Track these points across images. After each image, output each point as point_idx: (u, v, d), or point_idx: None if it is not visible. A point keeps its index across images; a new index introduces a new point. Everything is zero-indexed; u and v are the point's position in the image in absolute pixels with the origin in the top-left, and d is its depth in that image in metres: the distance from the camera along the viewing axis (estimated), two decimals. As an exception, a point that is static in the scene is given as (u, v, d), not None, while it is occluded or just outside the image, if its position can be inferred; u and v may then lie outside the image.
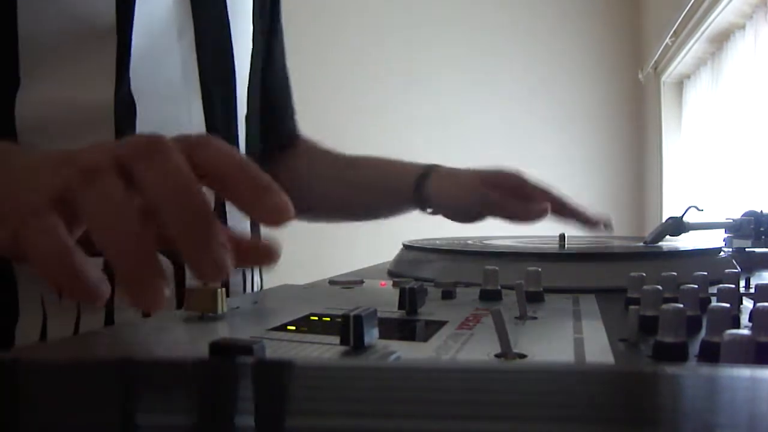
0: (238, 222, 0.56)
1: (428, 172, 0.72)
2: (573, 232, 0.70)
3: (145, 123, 0.50)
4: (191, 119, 0.56)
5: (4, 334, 0.46)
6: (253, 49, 0.64)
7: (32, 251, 0.28)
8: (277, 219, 0.30)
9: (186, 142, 0.30)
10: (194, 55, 0.55)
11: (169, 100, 0.53)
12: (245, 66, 0.62)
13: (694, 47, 2.21)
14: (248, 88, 0.63)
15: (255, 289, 0.64)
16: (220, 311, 0.37)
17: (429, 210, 0.72)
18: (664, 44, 2.36)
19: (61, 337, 0.42)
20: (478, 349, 0.29)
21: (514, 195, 0.68)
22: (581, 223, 0.70)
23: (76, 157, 0.30)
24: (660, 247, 0.62)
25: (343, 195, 0.79)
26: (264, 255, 0.34)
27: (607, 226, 0.70)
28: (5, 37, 0.45)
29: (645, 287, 0.34)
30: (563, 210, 0.69)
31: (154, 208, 0.28)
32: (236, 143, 0.61)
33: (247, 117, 0.63)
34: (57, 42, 0.46)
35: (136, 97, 0.50)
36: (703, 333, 0.28)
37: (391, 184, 0.75)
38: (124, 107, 0.49)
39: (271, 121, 0.73)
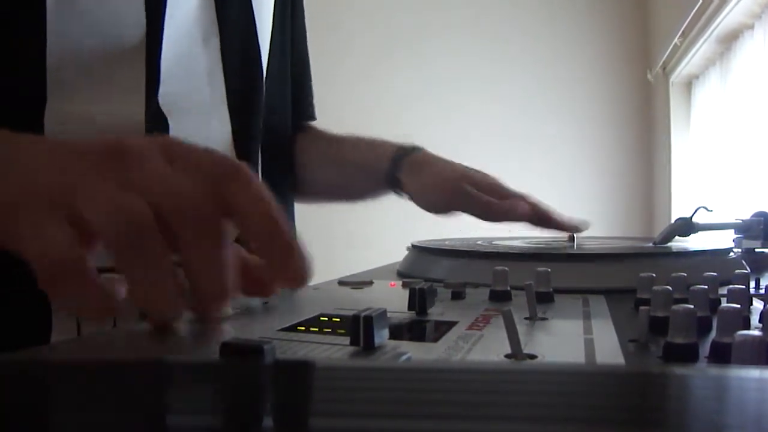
0: None
1: (403, 155, 0.70)
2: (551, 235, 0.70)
3: (176, 135, 0.49)
4: (221, 127, 0.55)
5: (40, 342, 0.45)
6: (272, 37, 0.63)
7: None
8: (297, 283, 0.32)
9: (213, 175, 0.31)
10: (220, 60, 0.55)
11: (197, 110, 0.53)
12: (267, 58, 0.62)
13: (703, 47, 2.20)
14: (267, 79, 0.62)
15: None
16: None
17: (405, 196, 0.70)
18: (673, 44, 2.35)
19: (65, 339, 0.42)
20: (488, 350, 0.29)
21: (490, 194, 0.66)
22: (556, 229, 0.69)
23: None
24: (669, 248, 0.62)
25: (326, 174, 0.76)
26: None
27: (580, 229, 0.69)
28: (34, 57, 0.44)
29: (655, 288, 0.34)
30: (538, 215, 0.68)
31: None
32: (259, 147, 0.61)
33: (267, 107, 0.63)
34: (86, 60, 0.46)
35: (165, 110, 0.49)
36: (713, 334, 0.28)
37: (368, 164, 0.73)
38: (155, 121, 0.48)
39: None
